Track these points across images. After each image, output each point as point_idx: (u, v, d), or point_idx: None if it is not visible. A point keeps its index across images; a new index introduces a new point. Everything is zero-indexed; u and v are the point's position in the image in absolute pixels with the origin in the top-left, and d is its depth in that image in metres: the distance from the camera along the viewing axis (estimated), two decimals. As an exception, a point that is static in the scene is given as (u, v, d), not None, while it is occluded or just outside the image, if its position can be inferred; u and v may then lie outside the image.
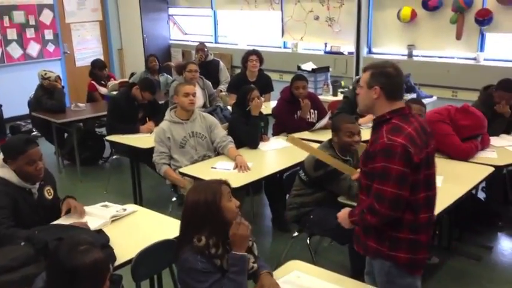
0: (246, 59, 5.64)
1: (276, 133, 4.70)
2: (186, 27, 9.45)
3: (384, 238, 2.24)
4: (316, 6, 7.22)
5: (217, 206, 1.98)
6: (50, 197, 2.79)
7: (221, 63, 6.69)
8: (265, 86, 5.67)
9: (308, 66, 6.28)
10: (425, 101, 5.49)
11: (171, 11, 9.18)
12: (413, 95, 5.43)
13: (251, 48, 5.98)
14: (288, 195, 3.53)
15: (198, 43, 6.87)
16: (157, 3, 8.93)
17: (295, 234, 3.48)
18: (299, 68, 6.33)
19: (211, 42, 8.60)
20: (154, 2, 8.88)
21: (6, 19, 7.71)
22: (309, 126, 4.55)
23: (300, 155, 3.50)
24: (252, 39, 8.14)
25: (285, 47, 7.90)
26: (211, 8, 8.57)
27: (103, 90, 6.35)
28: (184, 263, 1.96)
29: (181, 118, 3.94)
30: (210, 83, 5.68)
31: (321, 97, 5.32)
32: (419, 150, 2.15)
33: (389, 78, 2.24)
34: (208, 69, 6.30)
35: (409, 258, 2.23)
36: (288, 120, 4.61)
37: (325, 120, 4.50)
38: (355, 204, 3.03)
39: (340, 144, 3.25)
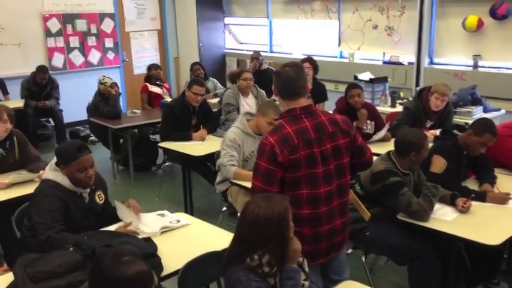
0: (299, 66, 5.53)
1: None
2: (241, 36, 9.47)
3: None
4: (375, 15, 7.01)
5: (287, 222, 1.89)
6: (101, 202, 2.79)
7: (276, 72, 6.59)
8: (319, 94, 5.53)
9: (365, 76, 6.09)
10: (492, 114, 5.18)
11: (227, 20, 9.23)
12: (480, 108, 5.12)
13: (306, 57, 5.86)
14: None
15: (252, 52, 6.83)
16: (213, 12, 9.01)
17: (350, 251, 3.30)
18: (356, 77, 6.14)
19: (266, 52, 8.55)
20: (211, 12, 8.96)
21: (69, 27, 8.01)
22: (366, 138, 4.35)
23: (356, 168, 3.32)
24: (307, 48, 8.02)
25: (341, 57, 7.72)
26: (267, 17, 8.53)
27: (158, 90, 6.39)
28: (237, 284, 1.86)
29: (254, 132, 3.85)
30: (263, 92, 5.60)
31: (378, 108, 5.11)
32: (289, 151, 2.22)
33: (279, 78, 2.36)
34: (263, 78, 6.23)
35: None
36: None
37: (383, 132, 4.32)
38: (415, 222, 2.87)
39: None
